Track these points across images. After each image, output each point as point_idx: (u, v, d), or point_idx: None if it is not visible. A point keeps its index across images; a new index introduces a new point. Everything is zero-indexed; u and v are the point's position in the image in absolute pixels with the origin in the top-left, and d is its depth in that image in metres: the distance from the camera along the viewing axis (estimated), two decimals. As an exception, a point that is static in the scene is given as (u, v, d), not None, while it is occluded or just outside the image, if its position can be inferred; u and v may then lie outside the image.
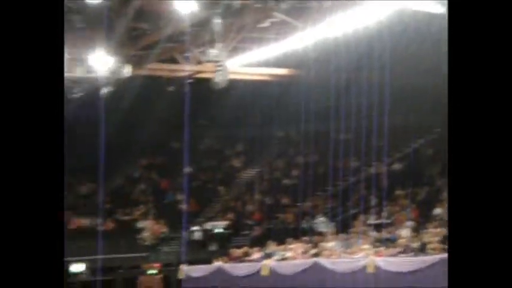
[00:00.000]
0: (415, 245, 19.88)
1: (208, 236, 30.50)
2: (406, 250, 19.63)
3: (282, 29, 21.97)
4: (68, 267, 27.29)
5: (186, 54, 23.09)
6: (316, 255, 21.12)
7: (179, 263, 25.41)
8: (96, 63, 22.01)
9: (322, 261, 19.65)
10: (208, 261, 25.10)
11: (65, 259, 27.45)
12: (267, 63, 24.71)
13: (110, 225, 30.01)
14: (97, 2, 19.24)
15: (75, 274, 27.37)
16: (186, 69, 23.97)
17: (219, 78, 22.40)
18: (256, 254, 23.98)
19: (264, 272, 21.03)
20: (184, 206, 30.19)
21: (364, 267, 17.84)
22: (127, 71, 22.94)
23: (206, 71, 24.19)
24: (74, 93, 23.88)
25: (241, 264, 23.14)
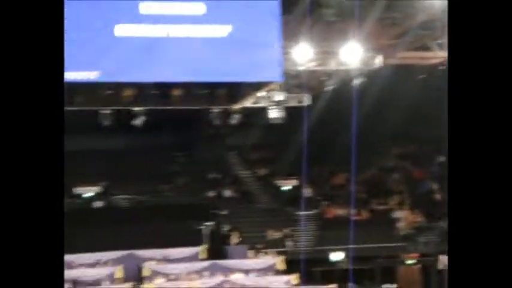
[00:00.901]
0: None
1: (466, 226, 29.70)
2: None
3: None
4: (327, 255, 28.09)
5: (439, 41, 22.54)
6: None
7: (437, 253, 25.03)
8: (347, 55, 22.26)
9: None
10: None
11: (325, 247, 28.36)
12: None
13: (366, 214, 30.35)
14: (348, -6, 19.45)
15: (335, 262, 28.08)
16: (437, 56, 23.43)
17: (473, 63, 21.63)
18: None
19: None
20: (439, 196, 29.67)
21: None
22: (378, 61, 22.96)
23: (459, 56, 23.48)
24: (327, 86, 24.46)
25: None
